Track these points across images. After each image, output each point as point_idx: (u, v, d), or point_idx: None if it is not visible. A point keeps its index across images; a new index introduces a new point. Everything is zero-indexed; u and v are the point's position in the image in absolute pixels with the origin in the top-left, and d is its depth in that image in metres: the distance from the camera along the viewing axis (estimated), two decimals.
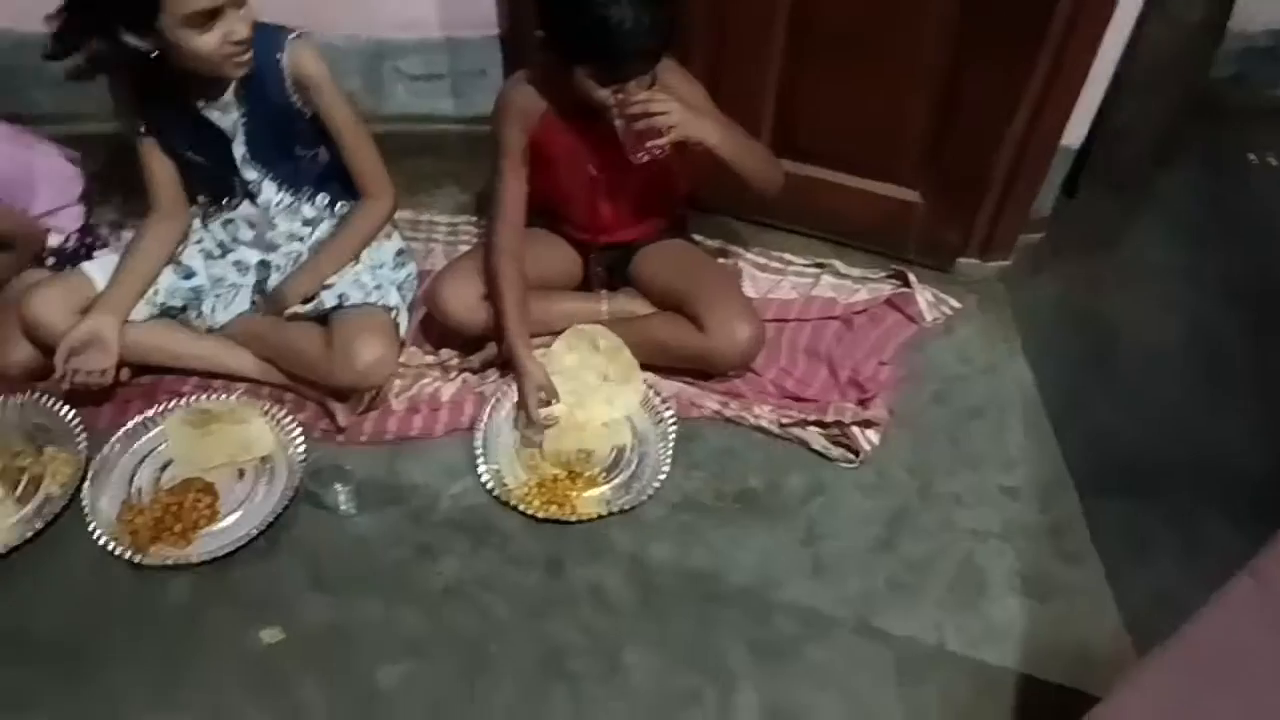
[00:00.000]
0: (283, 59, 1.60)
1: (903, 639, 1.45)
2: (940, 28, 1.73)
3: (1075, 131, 1.91)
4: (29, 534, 1.57)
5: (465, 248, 2.06)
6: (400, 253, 1.90)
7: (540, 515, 1.59)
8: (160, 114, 1.67)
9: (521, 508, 1.60)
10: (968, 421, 1.76)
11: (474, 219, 2.18)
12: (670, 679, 1.41)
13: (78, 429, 1.72)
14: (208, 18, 1.48)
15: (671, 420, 1.72)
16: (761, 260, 2.05)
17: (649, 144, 1.52)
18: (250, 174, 1.74)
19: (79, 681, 1.43)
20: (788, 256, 2.05)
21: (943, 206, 1.97)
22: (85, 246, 1.96)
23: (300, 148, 1.74)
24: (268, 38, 1.58)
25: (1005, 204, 1.93)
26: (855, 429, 1.69)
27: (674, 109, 1.50)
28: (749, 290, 1.95)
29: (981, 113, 1.79)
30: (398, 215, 1.87)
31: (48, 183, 1.94)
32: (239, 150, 1.71)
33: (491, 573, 1.54)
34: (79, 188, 2.01)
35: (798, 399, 1.75)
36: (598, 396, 1.74)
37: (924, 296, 1.95)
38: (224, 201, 1.80)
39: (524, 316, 1.71)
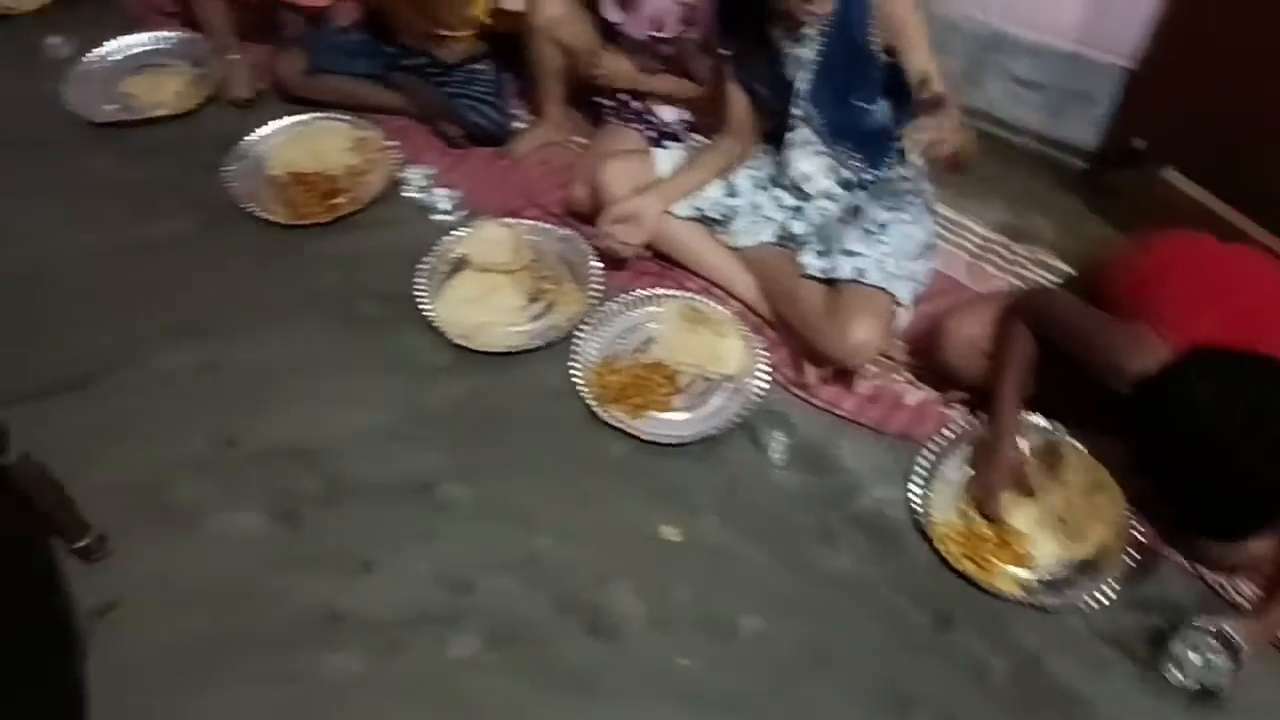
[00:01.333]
0: None
1: None
2: None
3: None
4: (528, 346, 1.82)
5: (989, 269, 1.98)
6: (928, 246, 1.86)
7: (952, 564, 1.51)
8: (741, 43, 1.77)
9: (938, 547, 1.53)
10: None
11: (1009, 244, 2.05)
12: None
13: (597, 277, 1.93)
14: None
15: (1137, 549, 1.52)
16: None
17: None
18: (800, 110, 1.79)
19: (503, 483, 1.63)
20: None
21: None
22: (672, 135, 2.12)
23: (857, 96, 1.74)
24: None
25: None
26: None
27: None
28: None
29: None
30: (940, 210, 1.81)
31: None
32: (802, 85, 1.76)
33: (879, 588, 1.51)
34: None
35: None
36: (1034, 524, 1.56)
37: None
38: (775, 141, 1.88)
39: (1020, 394, 1.57)
